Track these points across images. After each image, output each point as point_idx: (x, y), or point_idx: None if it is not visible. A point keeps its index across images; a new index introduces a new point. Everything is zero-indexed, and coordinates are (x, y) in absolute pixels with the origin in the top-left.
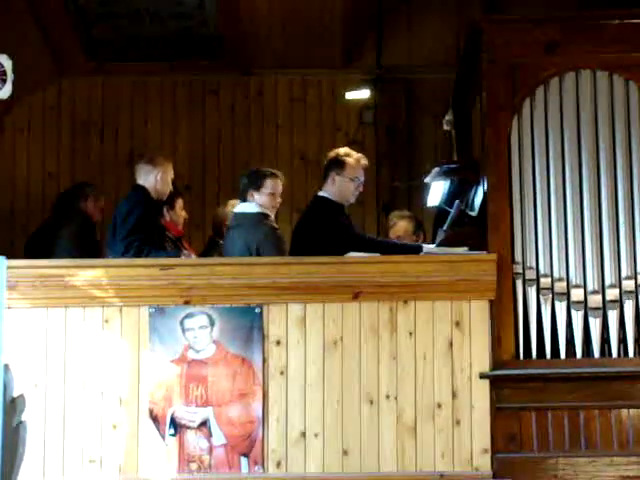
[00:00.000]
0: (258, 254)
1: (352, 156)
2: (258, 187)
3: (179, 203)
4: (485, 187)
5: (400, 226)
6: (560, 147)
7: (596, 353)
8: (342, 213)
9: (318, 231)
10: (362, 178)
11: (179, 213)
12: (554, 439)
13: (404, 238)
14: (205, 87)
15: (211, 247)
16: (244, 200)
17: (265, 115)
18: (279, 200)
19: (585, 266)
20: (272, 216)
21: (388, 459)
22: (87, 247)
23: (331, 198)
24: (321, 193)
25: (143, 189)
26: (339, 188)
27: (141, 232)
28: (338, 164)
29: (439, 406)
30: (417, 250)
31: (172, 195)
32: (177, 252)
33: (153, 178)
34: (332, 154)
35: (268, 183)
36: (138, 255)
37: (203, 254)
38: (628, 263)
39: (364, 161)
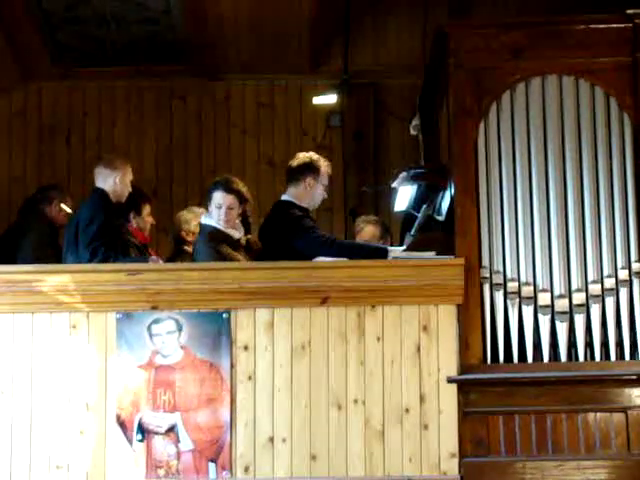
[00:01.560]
0: None
1: (324, 162)
2: (209, 199)
3: (146, 209)
4: (452, 192)
5: (367, 231)
6: (527, 152)
7: (563, 357)
8: (308, 216)
9: (285, 234)
10: (327, 185)
11: (146, 219)
12: (521, 443)
13: (371, 243)
14: (172, 92)
15: (177, 255)
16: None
17: (232, 120)
18: (229, 213)
19: (552, 270)
20: (227, 230)
21: (356, 464)
22: (51, 252)
23: (296, 202)
24: (285, 197)
25: (103, 192)
26: (312, 193)
27: (105, 237)
28: (314, 170)
29: (407, 410)
30: (383, 251)
31: (139, 201)
32: (145, 257)
33: (112, 181)
34: (306, 159)
35: (213, 196)
36: (105, 260)
37: (169, 261)
38: (594, 267)
39: (330, 169)
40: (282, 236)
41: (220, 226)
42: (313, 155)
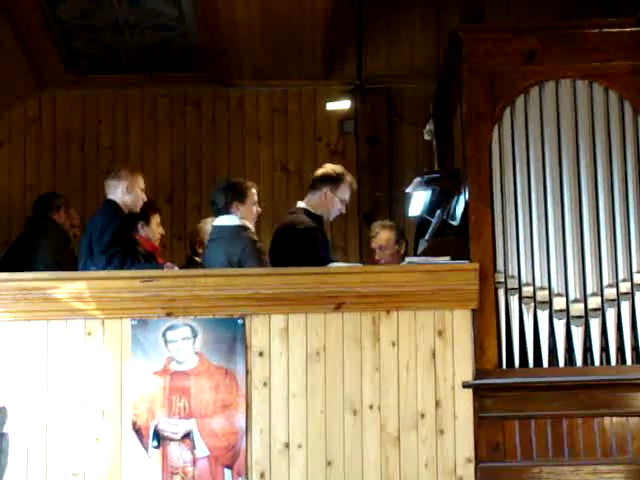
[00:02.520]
0: (240, 266)
1: (347, 178)
2: (243, 199)
3: (155, 219)
4: (466, 196)
5: (382, 236)
6: (541, 156)
7: (578, 361)
8: (320, 228)
9: (293, 243)
10: (347, 200)
11: (155, 229)
12: (537, 448)
13: (386, 248)
14: (186, 99)
15: (188, 265)
16: (226, 213)
17: (246, 126)
18: (259, 209)
19: (567, 274)
20: (252, 227)
21: (372, 469)
22: (65, 259)
23: (310, 210)
24: (301, 204)
25: (114, 203)
26: (328, 205)
27: (120, 244)
28: (334, 182)
29: (422, 416)
30: None
31: (148, 211)
32: (160, 264)
33: (120, 192)
34: (329, 170)
35: (251, 193)
36: (121, 266)
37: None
38: (609, 271)
39: (355, 185)
40: (291, 244)
41: (250, 224)
42: (338, 168)
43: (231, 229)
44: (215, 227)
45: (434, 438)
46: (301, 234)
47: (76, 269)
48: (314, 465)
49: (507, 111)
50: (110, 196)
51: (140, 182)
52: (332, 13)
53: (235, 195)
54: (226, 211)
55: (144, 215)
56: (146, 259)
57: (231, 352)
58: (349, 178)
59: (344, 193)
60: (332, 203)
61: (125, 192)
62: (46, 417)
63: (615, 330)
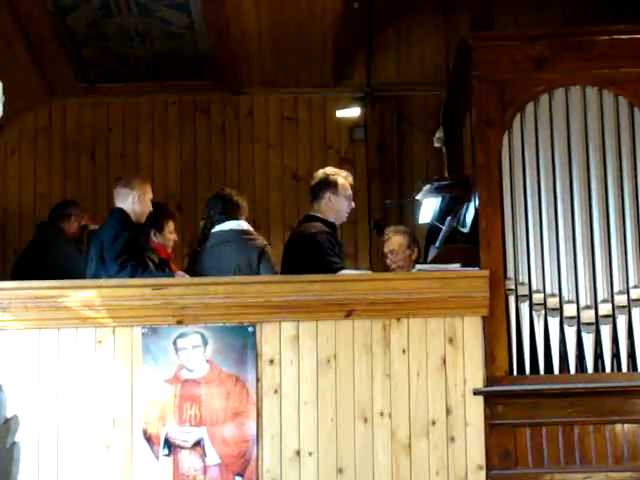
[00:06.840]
0: (258, 265)
1: (342, 174)
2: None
3: (169, 226)
4: (476, 203)
5: (394, 240)
6: (551, 163)
7: (589, 368)
8: (332, 233)
9: (303, 249)
10: (351, 195)
11: (168, 236)
12: (549, 455)
13: (398, 252)
14: (196, 107)
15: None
16: (234, 219)
17: (256, 134)
18: None
19: (577, 281)
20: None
21: (383, 476)
22: (70, 267)
23: (323, 218)
24: (312, 213)
25: (123, 212)
26: (336, 208)
27: (132, 251)
28: (331, 184)
29: (433, 423)
30: None
31: (161, 218)
32: (171, 273)
33: (131, 201)
34: (321, 175)
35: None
36: (133, 273)
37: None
38: (620, 278)
39: (351, 178)
40: (299, 252)
41: None
42: (328, 170)
43: (244, 232)
44: (224, 231)
45: (445, 445)
46: (307, 240)
47: (83, 276)
48: (325, 472)
49: (517, 118)
50: (120, 204)
51: (150, 192)
52: (342, 21)
53: (242, 204)
54: (235, 217)
55: (157, 222)
56: (159, 266)
57: (242, 360)
58: (344, 173)
59: (346, 190)
60: (339, 205)
61: (136, 201)
62: (57, 425)
63: (626, 337)
